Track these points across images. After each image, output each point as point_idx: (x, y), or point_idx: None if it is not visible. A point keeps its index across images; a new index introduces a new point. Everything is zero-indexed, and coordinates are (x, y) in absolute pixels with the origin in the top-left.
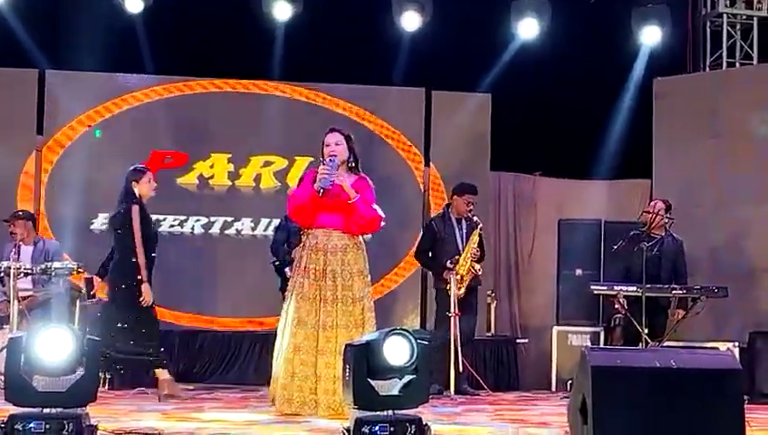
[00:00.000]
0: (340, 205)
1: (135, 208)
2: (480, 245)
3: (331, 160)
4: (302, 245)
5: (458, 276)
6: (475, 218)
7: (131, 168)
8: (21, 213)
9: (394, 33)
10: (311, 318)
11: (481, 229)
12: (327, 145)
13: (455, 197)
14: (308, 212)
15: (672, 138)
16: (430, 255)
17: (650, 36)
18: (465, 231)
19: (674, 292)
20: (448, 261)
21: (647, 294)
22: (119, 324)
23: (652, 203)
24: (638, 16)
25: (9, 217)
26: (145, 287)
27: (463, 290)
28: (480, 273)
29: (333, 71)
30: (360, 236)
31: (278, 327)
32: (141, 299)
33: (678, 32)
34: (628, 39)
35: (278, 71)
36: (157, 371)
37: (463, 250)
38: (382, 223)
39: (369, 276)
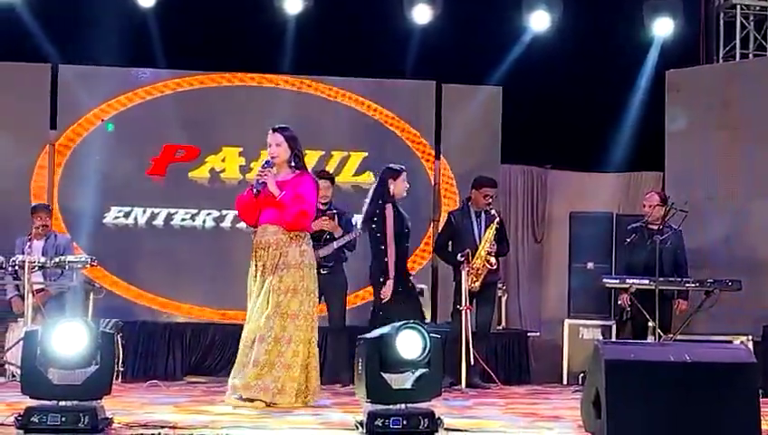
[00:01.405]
0: (271, 202)
1: (389, 208)
2: (501, 238)
3: (267, 163)
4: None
5: (474, 270)
6: (493, 212)
7: (388, 166)
8: (45, 205)
9: (405, 26)
10: (255, 312)
11: (498, 223)
12: (269, 146)
13: (473, 190)
14: (250, 211)
15: (684, 130)
16: (450, 249)
17: (663, 28)
18: (483, 225)
19: (687, 285)
20: (459, 254)
21: (659, 287)
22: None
23: (647, 196)
24: (651, 8)
25: (38, 209)
26: (388, 284)
27: (478, 284)
28: (494, 267)
29: (344, 64)
30: (300, 231)
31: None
32: (381, 295)
33: (691, 23)
34: (641, 31)
35: (289, 64)
36: None
37: (479, 244)
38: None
39: (313, 268)
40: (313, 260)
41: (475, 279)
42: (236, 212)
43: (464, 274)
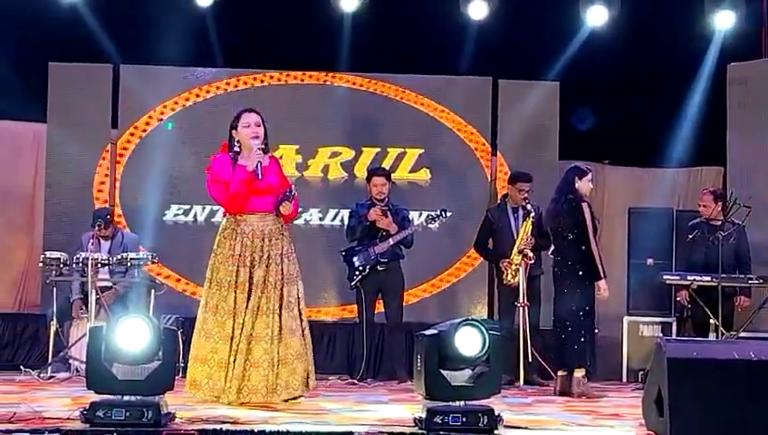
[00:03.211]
0: (271, 189)
1: (586, 207)
2: (541, 232)
3: (263, 144)
4: (225, 230)
5: (512, 265)
6: (529, 207)
7: (575, 166)
8: (108, 216)
9: (461, 22)
10: (242, 305)
11: (535, 217)
12: (247, 126)
13: (509, 186)
14: (243, 198)
15: (746, 124)
16: (490, 246)
17: (724, 21)
18: (520, 220)
19: (750, 281)
20: (499, 261)
21: (722, 284)
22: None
23: (701, 195)
24: (711, 1)
25: (100, 224)
26: (603, 284)
27: (518, 279)
28: (533, 261)
29: (399, 61)
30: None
31: (199, 315)
32: (598, 294)
33: (753, 16)
34: (701, 24)
35: (345, 61)
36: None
37: (517, 239)
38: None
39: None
40: None
41: (514, 274)
42: (224, 198)
43: (508, 270)
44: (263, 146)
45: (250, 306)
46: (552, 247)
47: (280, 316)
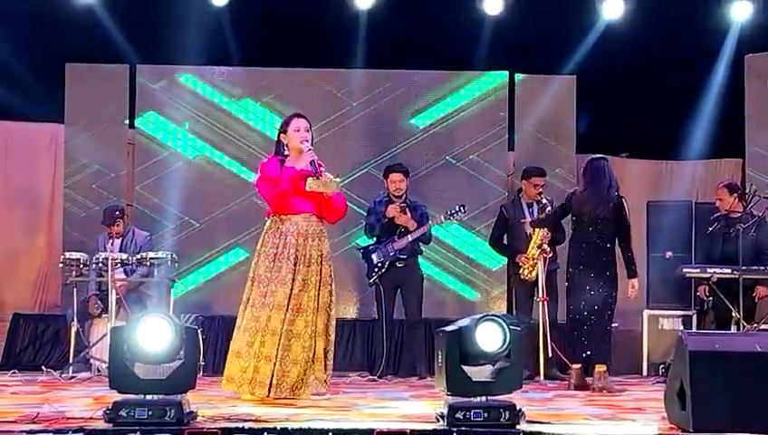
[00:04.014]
0: (315, 192)
1: (625, 200)
2: (556, 226)
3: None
4: (269, 229)
5: (528, 260)
6: (544, 201)
7: (601, 156)
8: (118, 212)
9: (476, 17)
10: (284, 301)
11: (548, 211)
12: (297, 130)
13: (523, 181)
14: (289, 196)
15: (765, 115)
16: (505, 242)
17: (741, 12)
18: (535, 215)
19: None
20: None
21: (743, 277)
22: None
23: (717, 190)
24: None
25: (112, 221)
26: (636, 282)
27: (534, 274)
28: (550, 255)
29: (416, 57)
30: None
31: (240, 312)
32: (631, 291)
33: None
34: (718, 15)
35: (361, 58)
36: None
37: (532, 234)
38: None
39: None
40: None
41: (531, 269)
42: (273, 198)
43: (524, 266)
44: (312, 148)
45: (292, 303)
46: (569, 237)
47: (316, 316)
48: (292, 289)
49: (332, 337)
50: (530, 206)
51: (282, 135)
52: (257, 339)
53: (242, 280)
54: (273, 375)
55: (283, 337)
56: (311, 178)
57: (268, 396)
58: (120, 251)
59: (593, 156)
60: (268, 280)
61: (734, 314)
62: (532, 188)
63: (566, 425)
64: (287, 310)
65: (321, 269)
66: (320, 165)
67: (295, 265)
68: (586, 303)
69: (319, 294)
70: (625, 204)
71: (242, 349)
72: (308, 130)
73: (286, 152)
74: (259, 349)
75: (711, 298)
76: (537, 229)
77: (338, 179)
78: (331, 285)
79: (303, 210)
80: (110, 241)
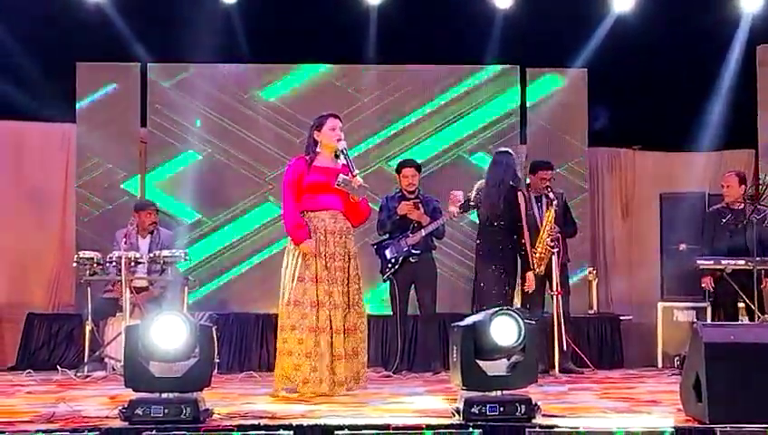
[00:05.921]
0: (343, 191)
1: (522, 193)
2: (566, 220)
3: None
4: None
5: (537, 254)
6: (552, 195)
7: (503, 151)
8: (152, 202)
9: (487, 11)
10: (326, 299)
11: (557, 205)
12: (333, 129)
13: (530, 175)
14: (317, 191)
15: None
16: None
17: (752, 2)
18: (543, 208)
19: None
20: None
21: (757, 268)
22: None
23: (726, 175)
24: None
25: (147, 206)
26: (529, 275)
27: (543, 268)
28: (556, 250)
29: (426, 51)
30: None
31: (284, 310)
32: (526, 287)
33: None
34: (729, 6)
35: (372, 54)
36: None
37: (541, 228)
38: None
39: None
40: None
41: (539, 263)
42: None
43: (533, 259)
44: (345, 147)
45: (331, 300)
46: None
47: (348, 312)
48: (327, 286)
49: (364, 330)
50: (538, 199)
51: (315, 132)
52: (308, 337)
53: (256, 278)
54: (331, 372)
55: (326, 334)
56: (342, 176)
57: (328, 392)
58: (149, 251)
59: (497, 149)
60: (305, 278)
61: (741, 306)
62: (540, 182)
63: (582, 419)
64: (327, 307)
65: (349, 266)
66: (354, 174)
67: (325, 261)
68: (490, 302)
69: (349, 290)
70: (520, 197)
71: (293, 348)
72: (341, 130)
73: (318, 150)
74: (314, 348)
75: (715, 290)
76: (545, 223)
77: (366, 185)
78: (358, 282)
79: (331, 207)
80: (136, 239)
